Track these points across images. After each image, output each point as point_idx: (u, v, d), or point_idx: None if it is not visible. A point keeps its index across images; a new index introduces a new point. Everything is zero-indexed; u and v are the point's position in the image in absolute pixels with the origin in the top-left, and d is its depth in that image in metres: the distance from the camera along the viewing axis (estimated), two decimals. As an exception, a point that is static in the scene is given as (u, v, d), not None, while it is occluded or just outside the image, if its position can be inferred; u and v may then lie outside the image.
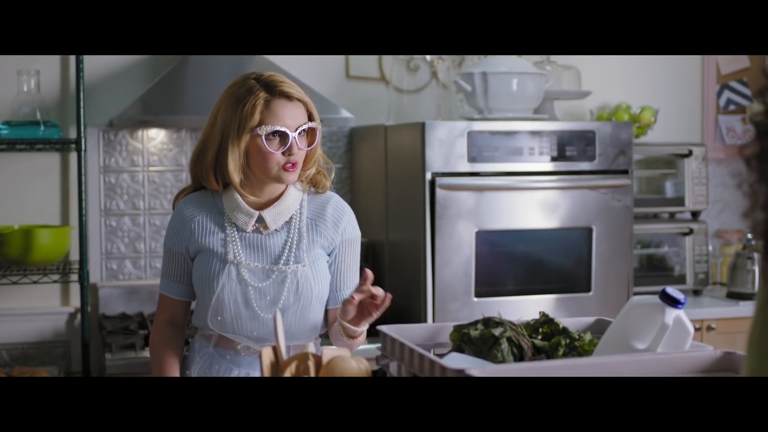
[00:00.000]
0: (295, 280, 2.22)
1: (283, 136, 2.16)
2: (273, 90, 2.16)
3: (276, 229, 2.25)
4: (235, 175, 2.18)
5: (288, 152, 2.16)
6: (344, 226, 2.32)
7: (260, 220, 2.24)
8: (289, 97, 2.17)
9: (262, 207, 2.24)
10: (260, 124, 2.14)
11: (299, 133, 2.17)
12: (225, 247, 2.22)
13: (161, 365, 2.28)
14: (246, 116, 2.14)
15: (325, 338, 2.44)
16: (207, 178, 2.23)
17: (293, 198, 2.26)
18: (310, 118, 2.21)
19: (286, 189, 2.26)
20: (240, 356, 2.24)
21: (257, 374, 2.20)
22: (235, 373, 2.24)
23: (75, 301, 3.61)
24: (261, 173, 2.19)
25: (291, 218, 2.26)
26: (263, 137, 2.14)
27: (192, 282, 2.29)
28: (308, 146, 2.21)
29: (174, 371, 2.27)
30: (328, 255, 2.31)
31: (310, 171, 2.26)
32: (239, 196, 2.22)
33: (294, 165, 2.18)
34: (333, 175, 2.34)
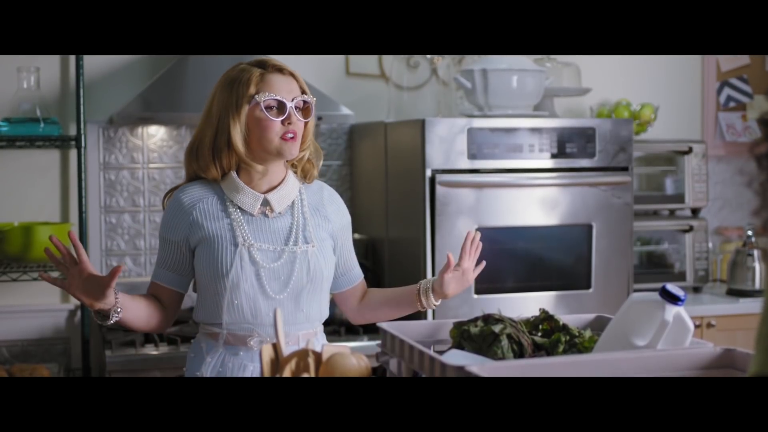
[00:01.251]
0: (306, 259, 2.24)
1: (281, 106, 2.21)
2: (265, 65, 2.24)
3: (280, 212, 2.26)
4: (241, 147, 2.20)
5: (287, 120, 2.20)
6: (342, 211, 2.39)
7: (264, 203, 2.26)
8: (281, 70, 2.24)
9: (263, 193, 2.27)
10: (258, 93, 2.20)
11: (295, 105, 2.22)
12: (233, 231, 2.23)
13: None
14: (243, 89, 2.20)
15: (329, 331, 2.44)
16: (206, 168, 2.24)
17: (293, 183, 2.30)
18: (304, 94, 2.26)
19: (285, 175, 2.29)
20: (252, 351, 2.23)
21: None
22: (249, 368, 2.22)
23: (75, 299, 3.61)
24: (262, 147, 2.21)
25: (293, 203, 2.29)
26: (262, 105, 2.18)
27: (186, 272, 2.28)
28: (306, 119, 2.25)
29: (136, 299, 2.22)
30: (332, 239, 2.34)
31: (305, 152, 2.30)
32: (241, 181, 2.24)
33: (294, 135, 2.21)
34: (320, 163, 2.38)
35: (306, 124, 2.26)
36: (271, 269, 2.22)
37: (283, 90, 2.21)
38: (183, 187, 2.29)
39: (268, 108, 2.19)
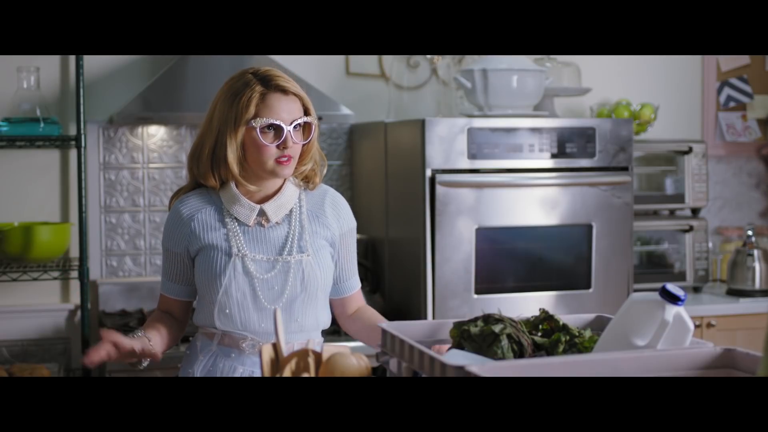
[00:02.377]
0: (300, 269, 2.23)
1: (278, 130, 2.18)
2: (269, 84, 2.19)
3: (277, 222, 2.26)
4: (235, 167, 2.20)
5: (283, 145, 2.18)
6: (344, 217, 2.36)
7: (261, 213, 2.25)
8: (284, 91, 2.19)
9: (261, 202, 2.26)
10: (255, 116, 2.17)
11: (294, 127, 2.19)
12: (228, 241, 2.23)
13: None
14: (242, 109, 2.17)
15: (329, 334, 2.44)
16: (205, 175, 2.24)
17: (291, 192, 2.28)
18: (307, 113, 2.23)
19: (283, 183, 2.27)
20: (244, 354, 2.24)
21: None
22: (239, 371, 2.23)
23: (75, 298, 3.61)
24: (257, 166, 2.21)
25: (291, 211, 2.28)
26: (258, 130, 2.16)
27: (192, 282, 2.29)
28: (304, 141, 2.23)
29: (155, 326, 2.26)
30: (331, 247, 2.32)
31: (306, 166, 2.29)
32: (238, 192, 2.23)
33: (289, 159, 2.20)
34: (325, 171, 2.36)
35: (307, 142, 2.24)
36: (264, 280, 2.22)
37: (283, 112, 2.18)
38: (183, 197, 2.29)
39: (265, 131, 2.17)
